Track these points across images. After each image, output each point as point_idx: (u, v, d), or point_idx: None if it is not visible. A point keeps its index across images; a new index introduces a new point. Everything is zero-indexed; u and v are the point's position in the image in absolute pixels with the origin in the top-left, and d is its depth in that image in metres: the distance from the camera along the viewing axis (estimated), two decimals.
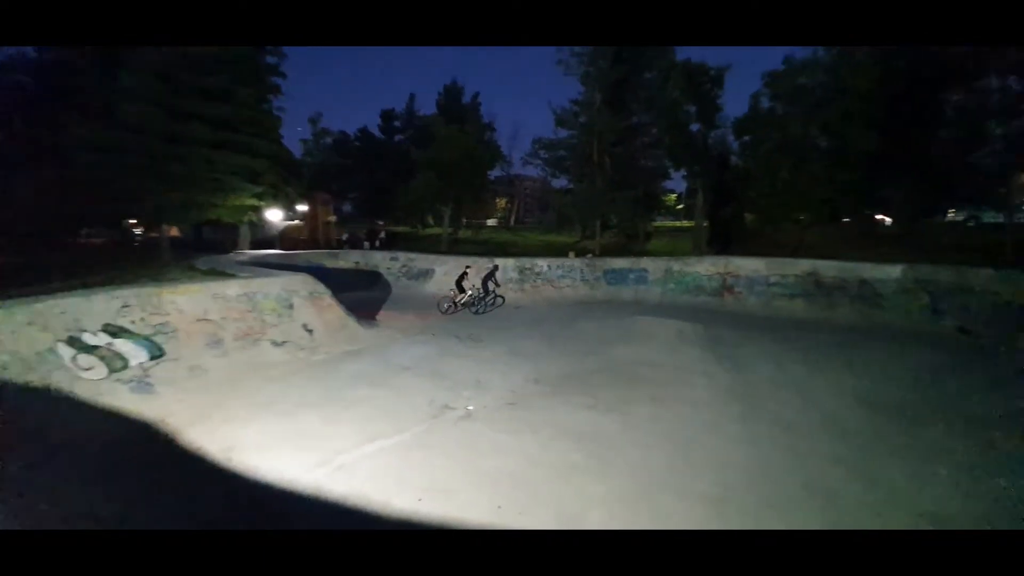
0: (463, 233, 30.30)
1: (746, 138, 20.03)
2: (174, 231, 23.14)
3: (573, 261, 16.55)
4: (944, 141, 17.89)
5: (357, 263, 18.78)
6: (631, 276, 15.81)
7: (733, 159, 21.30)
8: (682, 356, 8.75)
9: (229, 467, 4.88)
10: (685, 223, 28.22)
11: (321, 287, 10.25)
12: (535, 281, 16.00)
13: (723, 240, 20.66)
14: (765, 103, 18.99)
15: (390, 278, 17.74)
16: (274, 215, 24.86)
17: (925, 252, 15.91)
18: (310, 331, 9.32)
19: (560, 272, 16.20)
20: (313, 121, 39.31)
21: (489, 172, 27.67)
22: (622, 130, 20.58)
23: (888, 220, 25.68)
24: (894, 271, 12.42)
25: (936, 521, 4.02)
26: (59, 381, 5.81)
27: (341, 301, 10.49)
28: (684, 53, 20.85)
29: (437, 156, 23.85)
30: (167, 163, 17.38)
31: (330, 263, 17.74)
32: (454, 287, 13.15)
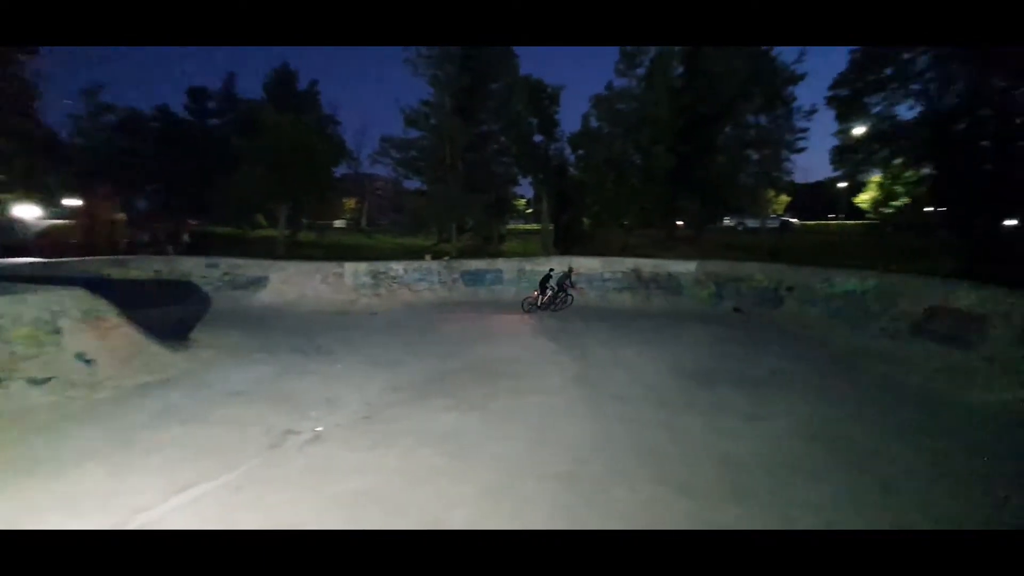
0: (305, 236, 27.28)
1: (580, 152, 22.57)
2: None
3: (430, 264, 16.35)
4: (720, 164, 22.92)
5: (158, 272, 15.24)
6: (488, 277, 16.31)
7: (571, 170, 23.76)
8: (537, 350, 9.35)
9: None
10: (534, 226, 30.36)
11: (103, 304, 8.01)
12: (391, 285, 15.32)
13: (566, 241, 22.87)
14: (593, 123, 21.68)
15: (208, 289, 14.87)
16: (28, 212, 18.71)
17: (710, 250, 20.13)
18: (89, 361, 7.21)
19: (417, 275, 15.83)
20: (90, 93, 30.65)
21: (334, 169, 25.48)
22: (473, 136, 21.20)
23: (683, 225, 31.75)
24: (690, 266, 15.37)
25: (728, 459, 5.04)
26: None
27: (137, 320, 8.39)
28: (526, 69, 22.45)
29: (267, 147, 20.92)
30: None
31: (118, 273, 14.02)
32: (538, 288, 13.82)
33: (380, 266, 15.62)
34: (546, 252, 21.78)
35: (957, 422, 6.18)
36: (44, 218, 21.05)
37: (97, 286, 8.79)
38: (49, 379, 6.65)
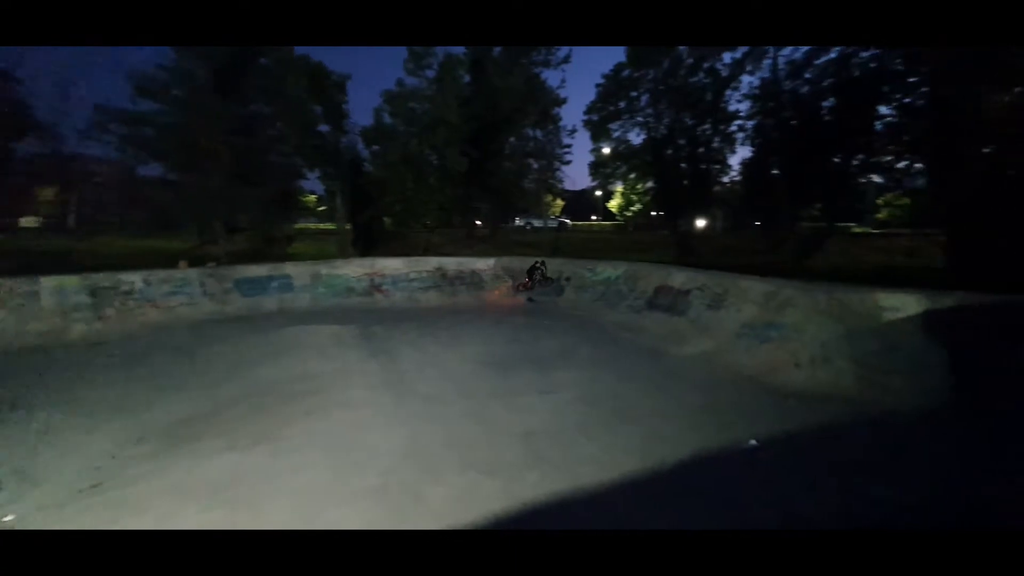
0: None
1: (375, 148, 21.60)
2: None
3: (187, 272, 13.06)
4: (507, 169, 25.27)
5: None
6: (273, 284, 14.04)
7: (366, 166, 22.53)
8: (338, 361, 8.47)
9: None
10: (330, 225, 27.77)
11: None
12: (125, 303, 11.62)
13: (366, 242, 21.62)
14: (387, 119, 21.03)
15: None
16: None
17: (505, 247, 22.08)
18: None
19: (168, 288, 12.41)
20: None
21: (12, 144, 17.73)
22: (241, 119, 17.78)
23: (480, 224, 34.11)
24: (489, 262, 16.51)
25: (527, 434, 5.53)
26: None
27: None
28: (304, 50, 20.08)
29: None
30: None
31: None
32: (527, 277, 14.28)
33: (104, 279, 11.65)
34: (344, 254, 20.18)
35: (673, 368, 8.28)
36: None
37: None
38: None
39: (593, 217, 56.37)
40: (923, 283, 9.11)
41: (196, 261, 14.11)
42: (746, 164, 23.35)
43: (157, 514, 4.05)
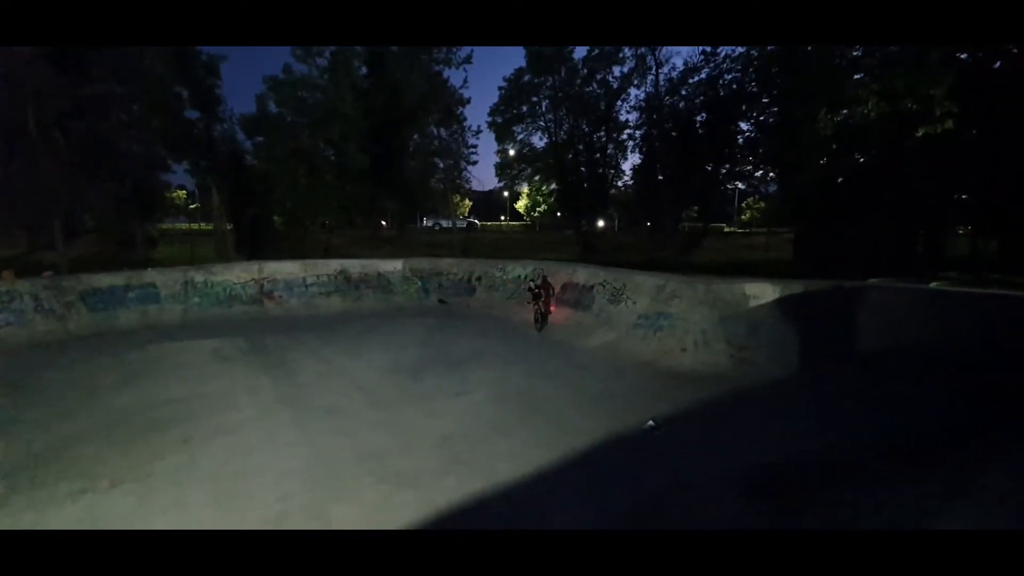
0: None
1: (259, 139, 19.49)
2: None
3: (13, 285, 10.55)
4: (412, 168, 24.47)
5: None
6: (131, 296, 11.92)
7: (248, 159, 20.24)
8: (221, 380, 7.48)
9: None
10: (205, 226, 24.48)
11: None
12: None
13: (252, 244, 19.45)
14: (272, 107, 19.09)
15: None
16: None
17: (414, 248, 21.40)
18: None
19: None
20: None
21: None
22: (81, 98, 14.69)
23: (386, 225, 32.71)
24: (397, 264, 15.85)
25: (443, 438, 5.39)
26: None
27: None
28: None
29: None
30: None
31: None
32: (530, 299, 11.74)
33: None
34: (225, 257, 17.93)
35: (581, 360, 8.74)
36: None
37: None
38: None
39: (502, 218, 57.34)
40: (776, 273, 10.75)
41: (26, 271, 11.45)
42: (636, 169, 25.55)
43: None
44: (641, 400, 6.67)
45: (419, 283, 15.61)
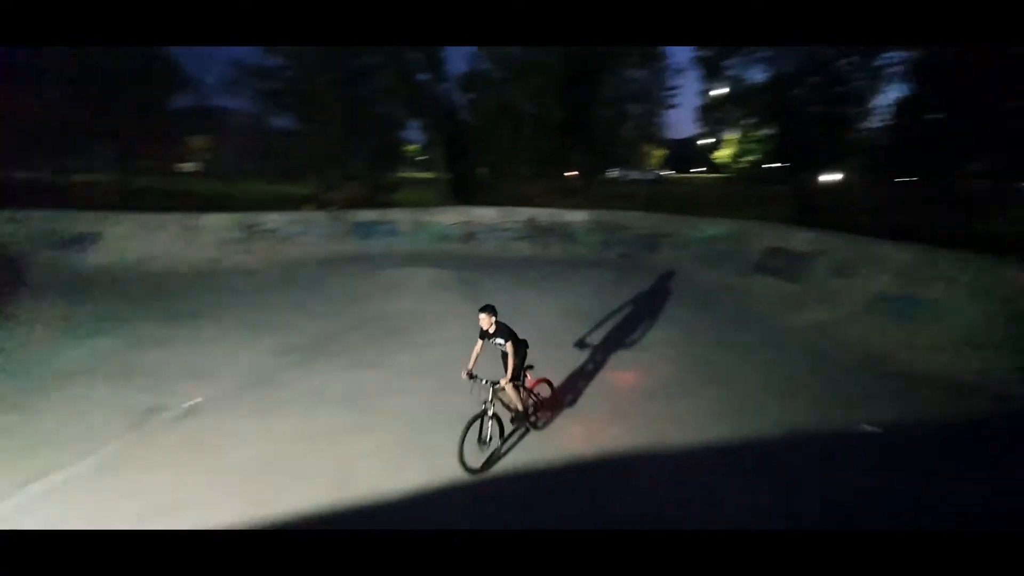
0: (142, 181, 22.08)
1: (471, 95, 21.63)
2: None
3: (314, 215, 14.78)
4: (604, 116, 23.80)
5: None
6: (381, 229, 15.35)
7: (462, 115, 22.76)
8: (437, 302, 9.19)
9: None
10: (428, 175, 28.98)
11: None
12: (267, 240, 13.59)
13: (463, 191, 22.33)
14: (483, 64, 20.78)
15: (15, 251, 11.73)
16: None
17: (599, 200, 21.34)
18: None
19: (299, 228, 14.25)
20: None
21: (171, 99, 20.75)
22: (349, 71, 18.80)
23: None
24: (582, 215, 16.18)
25: (619, 390, 5.63)
26: None
27: None
28: None
29: (77, 66, 16.26)
30: None
31: None
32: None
33: (251, 218, 13.67)
34: (441, 202, 21.13)
35: (780, 337, 7.64)
36: None
37: None
38: None
39: (698, 169, 51.61)
40: None
41: (320, 206, 15.82)
42: (899, 104, 19.23)
43: (296, 412, 4.96)
44: (858, 397, 5.58)
45: (602, 235, 15.66)
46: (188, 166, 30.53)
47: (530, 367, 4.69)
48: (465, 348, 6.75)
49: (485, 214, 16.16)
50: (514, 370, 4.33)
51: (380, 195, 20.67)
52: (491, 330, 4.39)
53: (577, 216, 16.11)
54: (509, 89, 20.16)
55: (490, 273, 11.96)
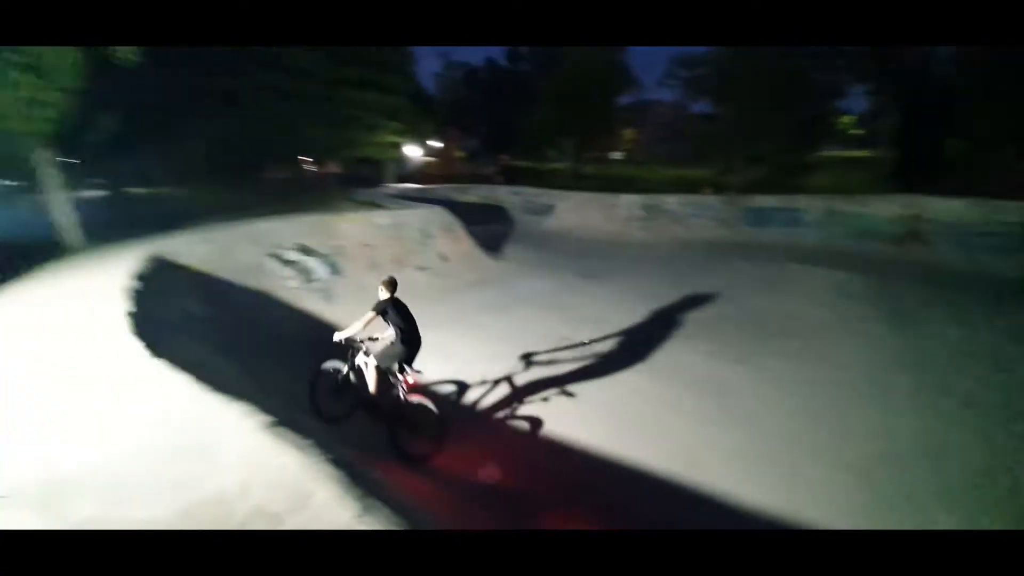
0: (586, 168, 28.96)
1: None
2: (335, 167, 26.53)
3: (707, 198, 15.02)
4: None
5: (483, 197, 19.66)
6: (780, 217, 13.83)
7: (941, 69, 16.25)
8: (838, 312, 7.68)
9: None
10: (861, 153, 23.11)
11: (453, 220, 11.09)
12: (662, 219, 15.04)
13: (915, 174, 16.50)
14: None
15: (513, 213, 18.31)
16: (411, 151, 26.82)
17: None
18: (445, 259, 10.30)
19: (691, 210, 14.92)
20: (443, 55, 39.82)
21: (616, 98, 25.29)
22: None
23: None
24: None
25: None
26: (267, 287, 7.47)
27: (471, 233, 11.27)
28: None
29: (561, 83, 22.70)
30: (327, 104, 19.68)
31: (459, 197, 18.85)
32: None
33: (653, 199, 15.42)
34: (873, 188, 16.48)
35: None
36: (419, 156, 29.76)
37: (449, 206, 12.17)
38: (425, 268, 9.90)
39: None
40: None
41: (717, 189, 15.86)
42: None
43: (659, 379, 5.60)
44: None
45: None
46: (617, 154, 37.23)
47: (418, 372, 4.13)
48: (868, 383, 5.49)
49: (949, 207, 11.57)
50: (385, 353, 4.08)
51: (787, 178, 18.37)
52: (385, 308, 3.98)
53: None
54: None
55: (941, 294, 8.56)
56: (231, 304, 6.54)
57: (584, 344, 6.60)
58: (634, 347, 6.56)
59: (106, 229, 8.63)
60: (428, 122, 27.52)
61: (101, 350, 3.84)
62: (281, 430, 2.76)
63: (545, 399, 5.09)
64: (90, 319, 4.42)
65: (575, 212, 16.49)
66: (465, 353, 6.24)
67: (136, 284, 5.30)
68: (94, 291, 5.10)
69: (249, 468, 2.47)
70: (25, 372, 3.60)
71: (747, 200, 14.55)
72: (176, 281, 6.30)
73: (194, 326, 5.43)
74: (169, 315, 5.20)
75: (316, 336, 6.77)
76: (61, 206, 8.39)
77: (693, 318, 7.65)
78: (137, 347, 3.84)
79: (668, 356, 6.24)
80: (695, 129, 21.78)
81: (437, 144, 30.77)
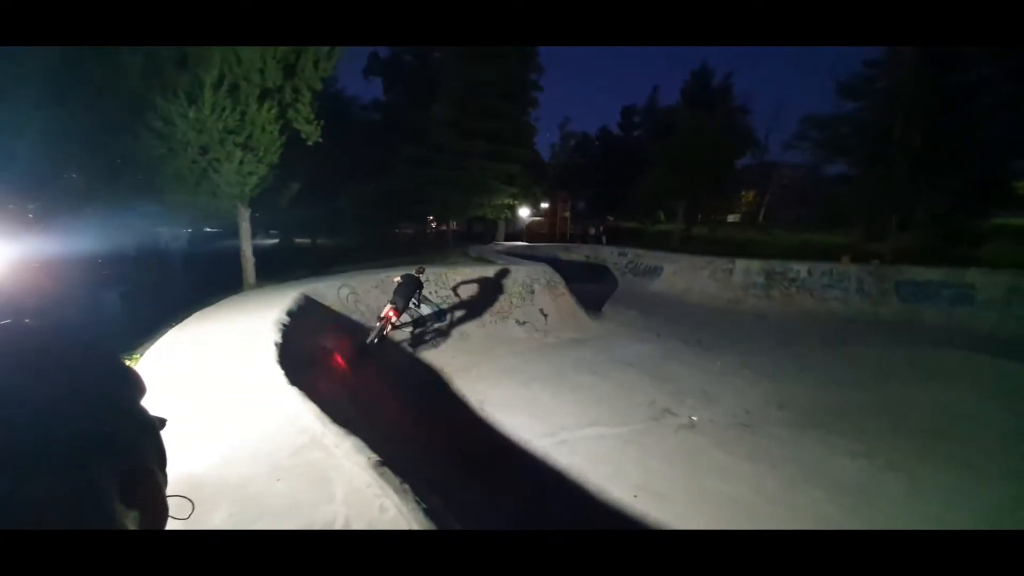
0: (697, 230, 27.80)
1: None
2: (453, 225, 29.30)
3: (847, 268, 13.18)
4: None
5: (587, 257, 19.84)
6: (944, 293, 11.53)
7: None
8: (1017, 413, 6.02)
9: (483, 416, 6.11)
10: None
11: (557, 277, 11.34)
12: (787, 288, 13.53)
13: None
14: None
15: (616, 273, 18.09)
16: (523, 211, 28.55)
17: None
18: (545, 315, 10.48)
19: (826, 280, 13.18)
20: (561, 127, 42.87)
21: (737, 161, 24.37)
22: (950, 92, 14.70)
23: None
24: None
25: None
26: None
27: (572, 291, 11.38)
28: None
29: (674, 147, 22.69)
30: (456, 172, 22.26)
31: (564, 255, 19.27)
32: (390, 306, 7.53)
33: (777, 265, 14.02)
34: None
35: None
36: (529, 216, 31.56)
37: (553, 263, 12.53)
38: (525, 322, 10.18)
39: None
40: None
41: (858, 257, 13.95)
42: None
43: (780, 474, 4.83)
44: None
45: None
46: (732, 217, 35.24)
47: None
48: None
49: None
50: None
51: (953, 248, 15.50)
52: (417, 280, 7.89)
53: None
54: None
55: None
56: (352, 342, 7.41)
57: (693, 422, 6.07)
58: (750, 432, 5.83)
59: (274, 270, 10.59)
60: (540, 185, 29.27)
61: (248, 373, 4.62)
62: (384, 470, 2.99)
63: (635, 496, 4.70)
64: (243, 345, 5.37)
65: (684, 275, 15.71)
66: (560, 417, 6.14)
67: (285, 319, 6.34)
68: (253, 324, 6.21)
69: (350, 506, 2.69)
70: (179, 384, 4.46)
71: (898, 272, 12.48)
72: (318, 318, 7.39)
73: (326, 359, 6.27)
74: (308, 349, 6.08)
75: (416, 380, 7.33)
76: (247, 251, 10.60)
77: (824, 406, 6.59)
78: (279, 373, 4.54)
79: (794, 450, 5.41)
80: (831, 193, 19.71)
81: (546, 205, 32.36)
